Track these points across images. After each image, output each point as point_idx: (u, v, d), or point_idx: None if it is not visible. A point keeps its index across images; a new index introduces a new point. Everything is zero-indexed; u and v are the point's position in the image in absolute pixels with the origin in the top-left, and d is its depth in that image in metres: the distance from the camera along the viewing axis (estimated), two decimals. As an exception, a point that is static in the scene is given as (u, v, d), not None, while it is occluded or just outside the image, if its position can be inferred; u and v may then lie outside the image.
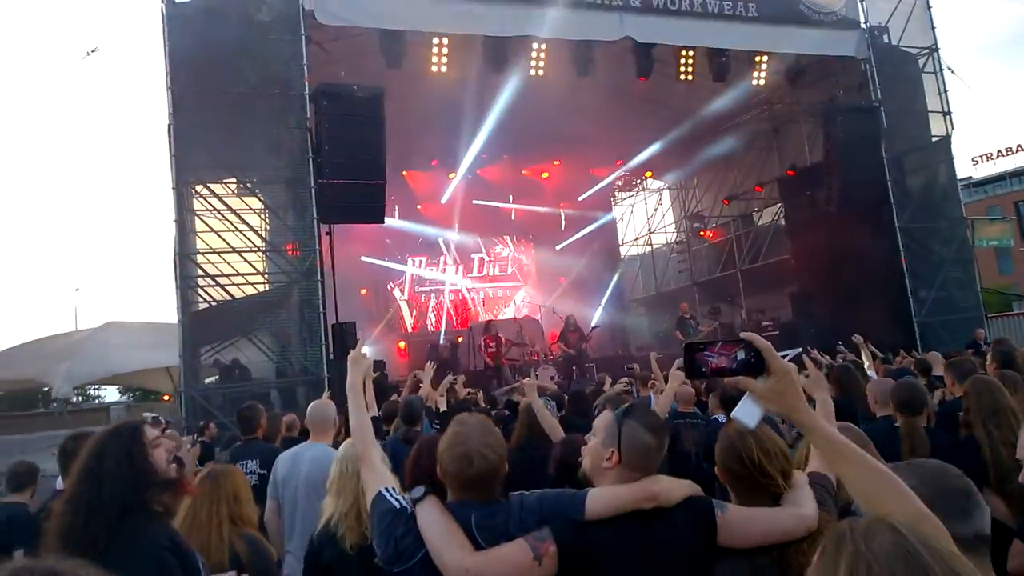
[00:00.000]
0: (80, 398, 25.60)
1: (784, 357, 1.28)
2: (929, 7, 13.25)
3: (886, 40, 12.88)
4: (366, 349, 2.49)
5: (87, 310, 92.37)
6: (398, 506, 1.89)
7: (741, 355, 1.25)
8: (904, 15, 12.80)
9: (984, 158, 43.15)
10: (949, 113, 13.19)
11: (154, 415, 8.16)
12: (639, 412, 1.96)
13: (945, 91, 13.18)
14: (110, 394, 30.24)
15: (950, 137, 13.24)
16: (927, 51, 13.20)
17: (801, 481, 1.98)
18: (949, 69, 13.27)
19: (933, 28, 13.24)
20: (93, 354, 14.07)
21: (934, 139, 13.24)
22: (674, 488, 1.88)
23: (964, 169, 38.76)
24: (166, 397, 18.01)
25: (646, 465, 1.90)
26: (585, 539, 1.78)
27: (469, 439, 1.89)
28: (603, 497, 1.84)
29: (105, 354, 14.10)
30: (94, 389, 28.26)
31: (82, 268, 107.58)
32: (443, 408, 5.19)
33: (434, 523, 1.80)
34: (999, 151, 42.65)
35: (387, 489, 1.97)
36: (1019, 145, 41.85)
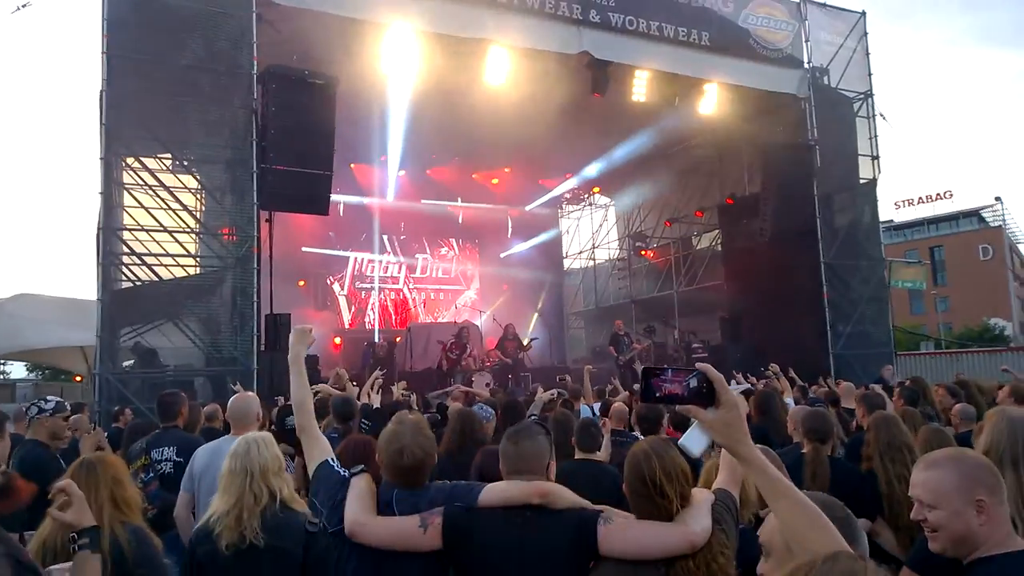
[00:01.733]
0: (-18, 372, 23.82)
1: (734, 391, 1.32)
2: (868, 54, 14.00)
3: (826, 81, 13.53)
4: (315, 333, 2.79)
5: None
6: (344, 476, 2.31)
7: (693, 383, 1.28)
8: (844, 59, 13.50)
9: (906, 203, 46.20)
10: (878, 157, 13.91)
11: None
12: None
13: (876, 136, 13.90)
14: (17, 370, 28.38)
15: (876, 180, 13.95)
16: (862, 96, 13.93)
17: (701, 500, 2.05)
18: (881, 116, 14.09)
19: (870, 74, 13.99)
20: (1, 327, 13.06)
21: (862, 181, 13.90)
22: (565, 495, 2.11)
23: (887, 212, 41.26)
24: (78, 378, 16.97)
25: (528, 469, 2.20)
26: (469, 520, 2.11)
27: (403, 437, 2.24)
28: (497, 488, 2.16)
29: (14, 327, 13.07)
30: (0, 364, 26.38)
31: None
32: (376, 406, 5.12)
33: (358, 491, 2.23)
34: (920, 198, 45.79)
35: (332, 460, 2.39)
36: (939, 194, 45.01)
